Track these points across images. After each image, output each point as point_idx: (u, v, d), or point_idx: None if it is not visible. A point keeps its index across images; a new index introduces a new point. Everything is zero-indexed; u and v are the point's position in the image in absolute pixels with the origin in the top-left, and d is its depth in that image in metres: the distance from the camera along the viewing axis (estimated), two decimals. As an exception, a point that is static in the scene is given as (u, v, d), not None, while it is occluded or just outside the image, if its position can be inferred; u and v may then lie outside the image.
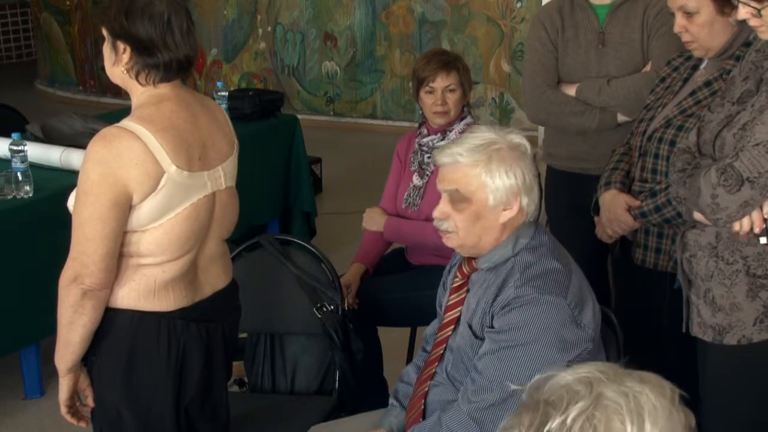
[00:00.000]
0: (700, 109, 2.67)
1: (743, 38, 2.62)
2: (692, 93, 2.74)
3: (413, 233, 3.37)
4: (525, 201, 2.27)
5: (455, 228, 2.28)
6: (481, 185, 2.24)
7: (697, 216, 2.36)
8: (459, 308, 2.38)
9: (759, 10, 2.22)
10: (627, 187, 2.85)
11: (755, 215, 2.27)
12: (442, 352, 2.41)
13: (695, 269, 2.41)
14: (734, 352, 2.38)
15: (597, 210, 2.92)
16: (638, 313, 2.86)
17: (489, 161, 2.23)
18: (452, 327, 2.39)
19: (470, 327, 2.31)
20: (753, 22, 2.26)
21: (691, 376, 2.85)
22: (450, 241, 2.32)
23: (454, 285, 2.41)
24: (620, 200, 2.81)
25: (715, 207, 2.26)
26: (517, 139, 2.28)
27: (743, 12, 2.25)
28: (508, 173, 2.23)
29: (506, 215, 2.26)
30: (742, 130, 2.25)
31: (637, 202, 2.77)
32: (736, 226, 2.29)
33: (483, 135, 2.27)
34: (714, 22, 2.63)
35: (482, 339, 2.27)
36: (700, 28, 2.65)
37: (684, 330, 2.49)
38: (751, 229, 2.28)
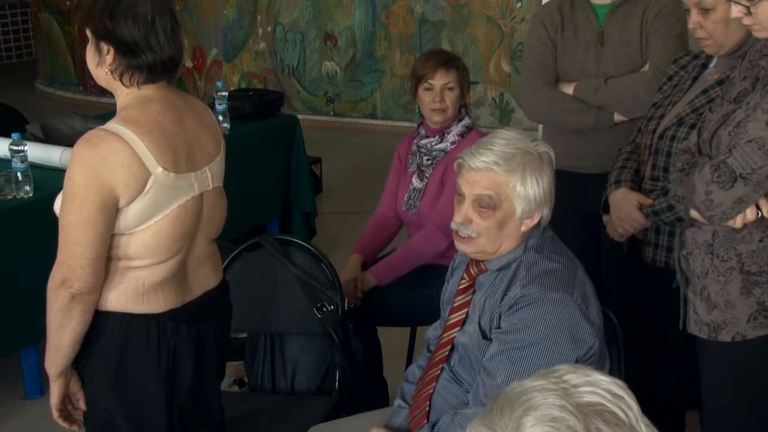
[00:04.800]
0: None
1: (754, 37, 2.62)
2: (704, 91, 2.71)
3: (406, 262, 3.35)
4: (545, 211, 2.28)
5: (478, 234, 2.26)
6: (514, 196, 2.23)
7: (694, 214, 2.36)
8: (465, 310, 2.37)
9: (748, 8, 2.21)
10: (637, 185, 2.84)
11: (749, 212, 2.27)
12: (447, 353, 2.39)
13: (692, 266, 2.42)
14: (729, 348, 2.39)
15: (606, 208, 2.90)
16: (647, 311, 2.85)
17: (523, 172, 2.22)
18: (458, 328, 2.37)
19: (480, 326, 2.30)
20: (746, 21, 2.25)
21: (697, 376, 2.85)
22: (468, 246, 2.29)
23: (461, 287, 2.40)
24: (631, 198, 2.79)
25: (709, 203, 2.26)
26: (543, 147, 2.28)
27: (735, 11, 2.24)
28: (538, 185, 2.23)
29: (528, 224, 2.27)
30: (737, 127, 2.25)
31: (649, 201, 2.75)
32: (731, 224, 2.30)
33: (514, 143, 2.25)
34: (729, 19, 2.61)
35: (490, 340, 2.26)
36: (715, 25, 2.62)
37: (681, 327, 2.50)
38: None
